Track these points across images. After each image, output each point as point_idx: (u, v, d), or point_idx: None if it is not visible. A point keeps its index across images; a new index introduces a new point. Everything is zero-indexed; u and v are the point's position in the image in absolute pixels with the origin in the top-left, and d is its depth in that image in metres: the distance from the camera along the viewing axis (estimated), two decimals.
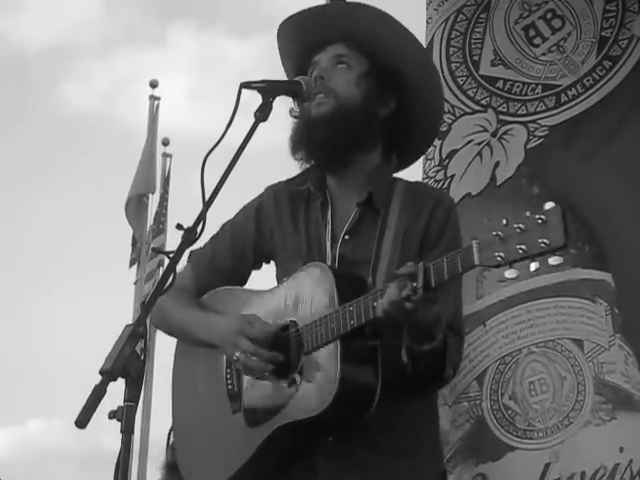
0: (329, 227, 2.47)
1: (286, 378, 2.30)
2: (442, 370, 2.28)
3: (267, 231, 2.56)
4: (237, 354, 2.32)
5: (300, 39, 2.58)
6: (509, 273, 1.88)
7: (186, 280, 2.58)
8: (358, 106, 2.45)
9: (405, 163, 2.64)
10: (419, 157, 2.77)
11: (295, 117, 2.51)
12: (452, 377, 2.36)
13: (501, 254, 1.88)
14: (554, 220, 1.83)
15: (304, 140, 2.46)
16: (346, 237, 2.44)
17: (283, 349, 2.31)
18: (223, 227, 2.64)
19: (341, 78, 2.47)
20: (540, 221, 1.84)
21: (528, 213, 1.87)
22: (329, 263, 2.41)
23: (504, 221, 1.90)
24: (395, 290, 2.09)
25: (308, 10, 2.60)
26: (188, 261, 2.63)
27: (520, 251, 1.85)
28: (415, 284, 2.04)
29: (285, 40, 2.62)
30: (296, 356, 2.30)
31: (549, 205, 1.85)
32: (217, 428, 2.45)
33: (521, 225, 1.86)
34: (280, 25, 2.60)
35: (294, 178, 2.60)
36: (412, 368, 2.25)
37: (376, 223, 2.44)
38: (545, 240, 1.83)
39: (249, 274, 2.61)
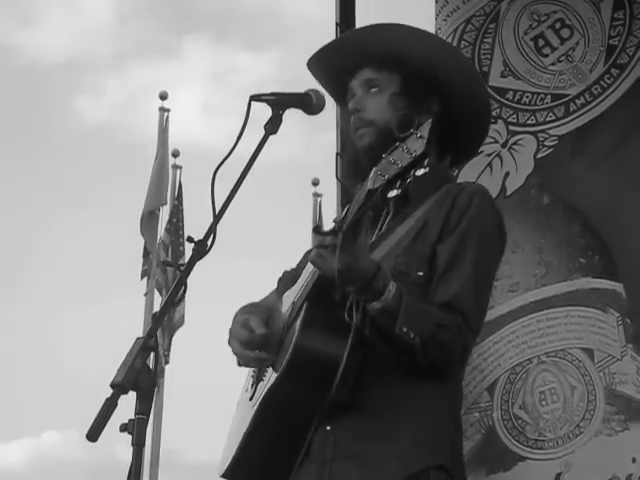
0: (374, 233, 2.46)
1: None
2: (392, 329, 2.14)
3: None
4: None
5: (328, 71, 2.59)
6: (390, 193, 1.89)
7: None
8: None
9: (459, 161, 2.62)
10: (474, 155, 2.73)
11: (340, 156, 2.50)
12: (427, 347, 2.17)
13: (384, 173, 1.89)
14: (425, 132, 1.84)
15: (356, 172, 2.45)
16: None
17: (279, 343, 2.32)
18: None
19: (374, 104, 2.45)
20: (416, 136, 1.85)
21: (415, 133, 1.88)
22: None
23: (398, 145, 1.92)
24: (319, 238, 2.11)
25: (328, 44, 2.62)
26: None
27: (395, 166, 1.85)
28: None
29: (317, 74, 2.63)
30: (286, 330, 2.32)
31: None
32: (242, 417, 2.49)
33: (404, 145, 1.88)
34: (308, 61, 2.61)
35: None
36: (370, 331, 2.17)
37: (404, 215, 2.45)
38: (411, 151, 1.84)
39: None
